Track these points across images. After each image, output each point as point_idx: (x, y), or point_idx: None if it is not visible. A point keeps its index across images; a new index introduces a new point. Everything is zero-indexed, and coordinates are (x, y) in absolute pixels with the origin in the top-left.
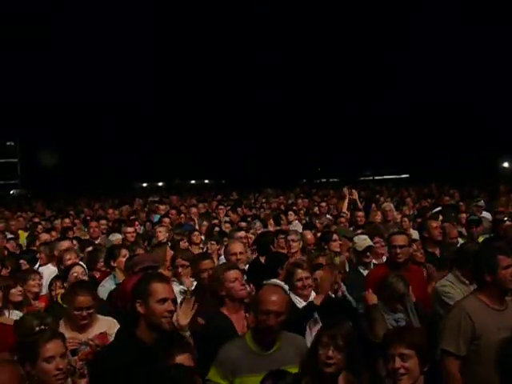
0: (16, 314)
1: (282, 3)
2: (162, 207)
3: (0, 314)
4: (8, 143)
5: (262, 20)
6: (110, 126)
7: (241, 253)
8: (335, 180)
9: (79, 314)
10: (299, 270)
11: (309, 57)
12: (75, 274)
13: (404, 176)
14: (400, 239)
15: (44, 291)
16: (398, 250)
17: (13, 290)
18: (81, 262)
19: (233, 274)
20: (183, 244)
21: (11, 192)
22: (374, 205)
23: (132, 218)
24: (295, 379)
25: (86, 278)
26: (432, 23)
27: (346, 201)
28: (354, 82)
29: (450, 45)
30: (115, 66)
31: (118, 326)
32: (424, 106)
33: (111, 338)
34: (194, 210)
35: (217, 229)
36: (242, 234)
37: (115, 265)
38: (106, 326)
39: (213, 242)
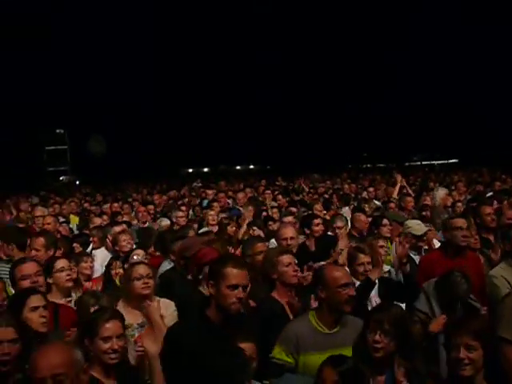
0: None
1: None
2: (209, 192)
3: (69, 295)
4: (58, 131)
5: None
6: (158, 113)
7: (292, 238)
8: (381, 165)
9: (140, 284)
10: (361, 255)
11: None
12: (136, 257)
13: (453, 161)
14: (461, 222)
15: (97, 274)
16: (463, 233)
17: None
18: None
19: (286, 258)
20: (230, 228)
21: (61, 178)
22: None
23: (180, 202)
24: (354, 364)
25: (146, 261)
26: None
27: (398, 187)
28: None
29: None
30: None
31: (174, 308)
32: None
33: (167, 320)
34: (240, 195)
35: (264, 214)
36: (289, 218)
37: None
38: (163, 307)
39: (254, 228)
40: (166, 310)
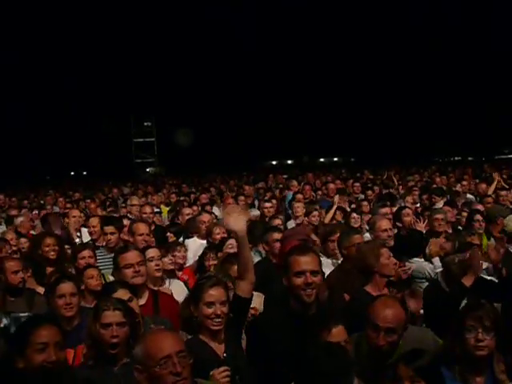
0: (176, 283)
1: None
2: (295, 183)
3: (161, 284)
4: (145, 123)
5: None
6: (243, 105)
7: (390, 229)
8: (470, 159)
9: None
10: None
11: None
12: (230, 246)
13: None
14: None
15: (189, 263)
16: None
17: (165, 259)
18: None
19: (386, 251)
20: (314, 218)
21: (147, 170)
22: None
23: (268, 194)
24: (432, 360)
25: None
26: None
27: (494, 184)
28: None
29: None
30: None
31: (262, 299)
32: None
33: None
34: (331, 186)
35: (353, 206)
36: (386, 210)
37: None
38: (257, 299)
39: (354, 215)
40: (260, 303)
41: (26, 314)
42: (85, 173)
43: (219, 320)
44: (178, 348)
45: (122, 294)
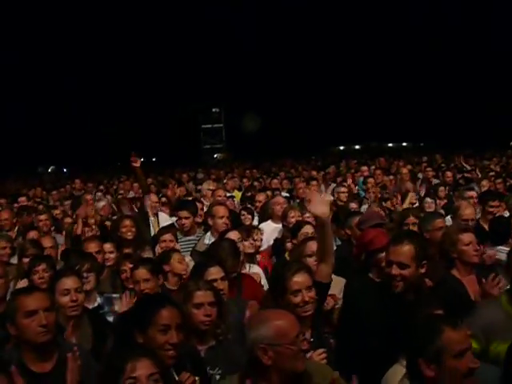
0: (255, 269)
1: None
2: (364, 168)
3: (241, 268)
4: (214, 110)
5: None
6: (310, 90)
7: (472, 219)
8: None
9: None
10: None
11: None
12: (306, 231)
13: None
14: None
15: (264, 247)
16: None
17: (245, 243)
18: None
19: (467, 237)
20: (390, 203)
21: (215, 156)
22: None
23: (338, 178)
24: None
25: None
26: None
27: None
28: None
29: None
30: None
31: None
32: None
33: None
34: (404, 170)
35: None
36: (472, 193)
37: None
38: (337, 286)
39: (428, 200)
40: (340, 289)
41: (118, 295)
42: (154, 159)
43: (308, 306)
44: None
45: (216, 271)
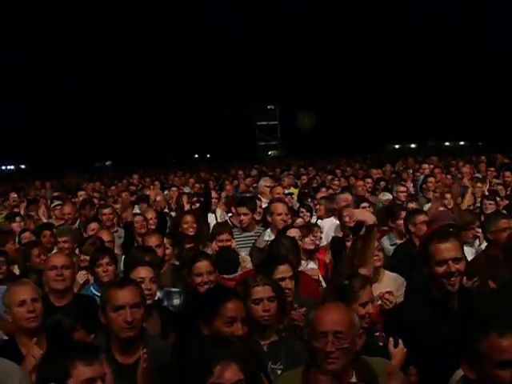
0: (312, 266)
1: None
2: (425, 166)
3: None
4: (269, 107)
5: None
6: (365, 87)
7: None
8: None
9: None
10: None
11: None
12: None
13: None
14: None
15: (323, 244)
16: None
17: (306, 239)
18: None
19: None
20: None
21: (269, 153)
22: None
23: (394, 177)
24: None
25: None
26: None
27: None
28: None
29: None
30: None
31: (404, 286)
32: None
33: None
34: (466, 169)
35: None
36: None
37: (392, 225)
38: (394, 284)
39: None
40: (398, 289)
41: (178, 290)
42: (208, 155)
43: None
44: (337, 328)
45: (286, 269)
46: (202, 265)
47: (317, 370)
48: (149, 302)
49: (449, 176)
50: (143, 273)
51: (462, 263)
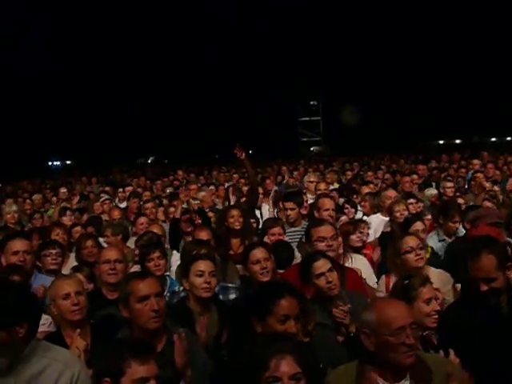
0: (359, 259)
1: None
2: (475, 162)
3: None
4: (312, 103)
5: None
6: (409, 82)
7: None
8: None
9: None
10: None
11: None
12: (416, 228)
13: None
14: None
15: (370, 239)
16: None
17: (352, 236)
18: None
19: None
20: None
21: (311, 149)
22: None
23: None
24: None
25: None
26: None
27: None
28: None
29: None
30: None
31: (451, 282)
32: None
33: (445, 295)
34: None
35: None
36: None
37: (441, 221)
38: (438, 280)
39: None
40: (443, 285)
41: (235, 285)
42: (250, 151)
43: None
44: (411, 320)
45: (322, 264)
46: (259, 251)
47: (372, 369)
48: (208, 294)
49: (497, 172)
50: (203, 266)
51: (496, 282)
